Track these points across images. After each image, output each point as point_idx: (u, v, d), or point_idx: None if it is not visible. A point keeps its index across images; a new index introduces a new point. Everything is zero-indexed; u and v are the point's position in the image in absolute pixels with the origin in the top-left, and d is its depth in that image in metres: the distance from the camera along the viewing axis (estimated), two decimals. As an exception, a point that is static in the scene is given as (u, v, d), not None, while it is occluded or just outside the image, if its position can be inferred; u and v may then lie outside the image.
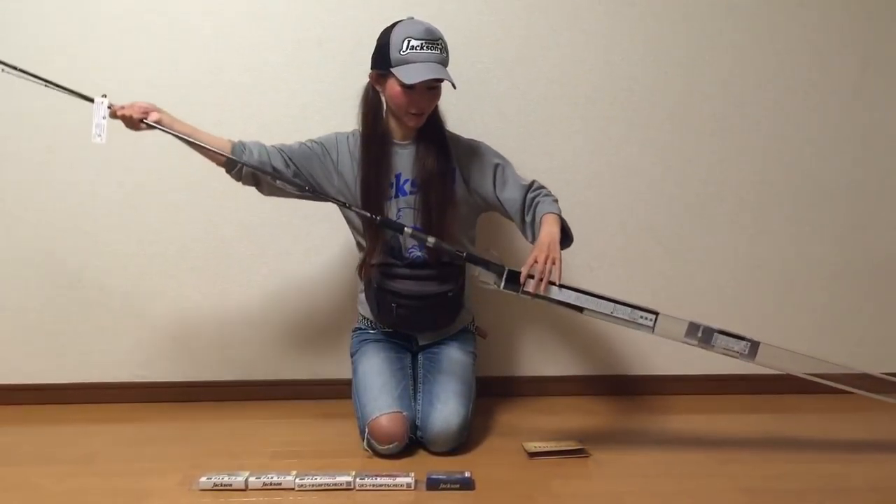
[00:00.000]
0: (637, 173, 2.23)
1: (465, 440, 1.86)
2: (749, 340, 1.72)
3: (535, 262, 1.70)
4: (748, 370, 2.30)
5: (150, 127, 1.72)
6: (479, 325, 2.10)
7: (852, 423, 2.11)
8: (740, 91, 2.20)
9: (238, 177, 1.85)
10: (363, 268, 1.95)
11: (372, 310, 2.00)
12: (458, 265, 1.94)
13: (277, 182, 1.84)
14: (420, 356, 2.02)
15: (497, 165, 1.93)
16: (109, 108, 1.70)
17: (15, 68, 1.67)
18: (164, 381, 2.24)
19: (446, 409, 1.84)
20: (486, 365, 2.22)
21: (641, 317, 1.70)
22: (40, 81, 1.69)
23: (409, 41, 1.77)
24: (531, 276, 1.70)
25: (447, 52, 1.82)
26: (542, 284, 1.68)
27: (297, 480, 1.64)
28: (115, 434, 2.03)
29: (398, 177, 1.92)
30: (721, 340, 1.71)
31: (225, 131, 2.14)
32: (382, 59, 1.81)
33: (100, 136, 1.69)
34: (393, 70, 1.78)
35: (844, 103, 2.22)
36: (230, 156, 1.80)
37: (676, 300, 2.27)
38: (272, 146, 1.87)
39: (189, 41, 2.12)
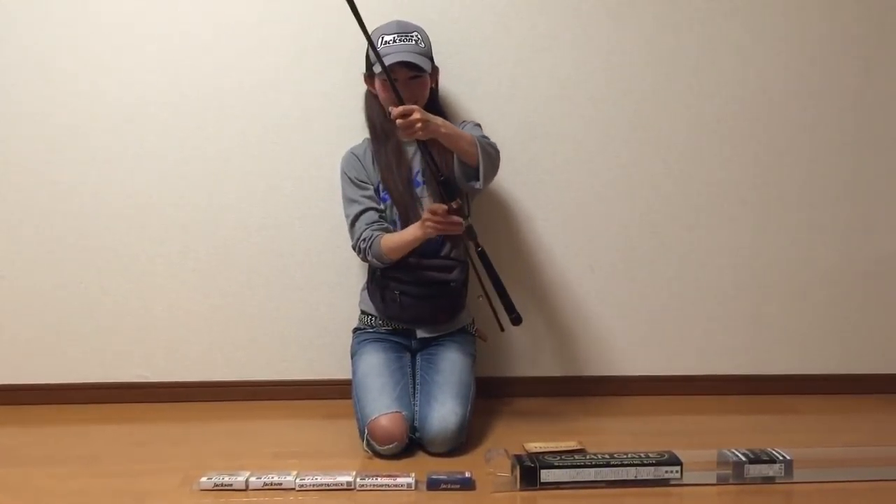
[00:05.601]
0: (638, 174, 2.23)
1: (463, 441, 1.85)
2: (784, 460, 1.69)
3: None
4: (748, 371, 2.32)
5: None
6: (480, 328, 2.10)
7: (852, 423, 2.11)
8: (742, 92, 2.20)
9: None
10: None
11: (374, 301, 2.03)
12: (462, 260, 2.00)
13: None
14: (418, 356, 2.02)
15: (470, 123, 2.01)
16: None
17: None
18: (164, 381, 2.24)
19: (444, 409, 1.83)
20: (487, 365, 2.22)
21: (667, 471, 1.66)
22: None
23: (382, 38, 1.89)
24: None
25: (426, 44, 1.93)
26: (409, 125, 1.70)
27: (297, 480, 1.64)
28: (116, 434, 2.03)
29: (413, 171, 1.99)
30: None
31: (226, 132, 2.15)
32: (367, 63, 1.96)
33: None
34: (373, 68, 1.88)
35: (846, 104, 2.22)
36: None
37: (678, 301, 2.28)
38: (367, 228, 1.93)
39: (191, 44, 2.12)
